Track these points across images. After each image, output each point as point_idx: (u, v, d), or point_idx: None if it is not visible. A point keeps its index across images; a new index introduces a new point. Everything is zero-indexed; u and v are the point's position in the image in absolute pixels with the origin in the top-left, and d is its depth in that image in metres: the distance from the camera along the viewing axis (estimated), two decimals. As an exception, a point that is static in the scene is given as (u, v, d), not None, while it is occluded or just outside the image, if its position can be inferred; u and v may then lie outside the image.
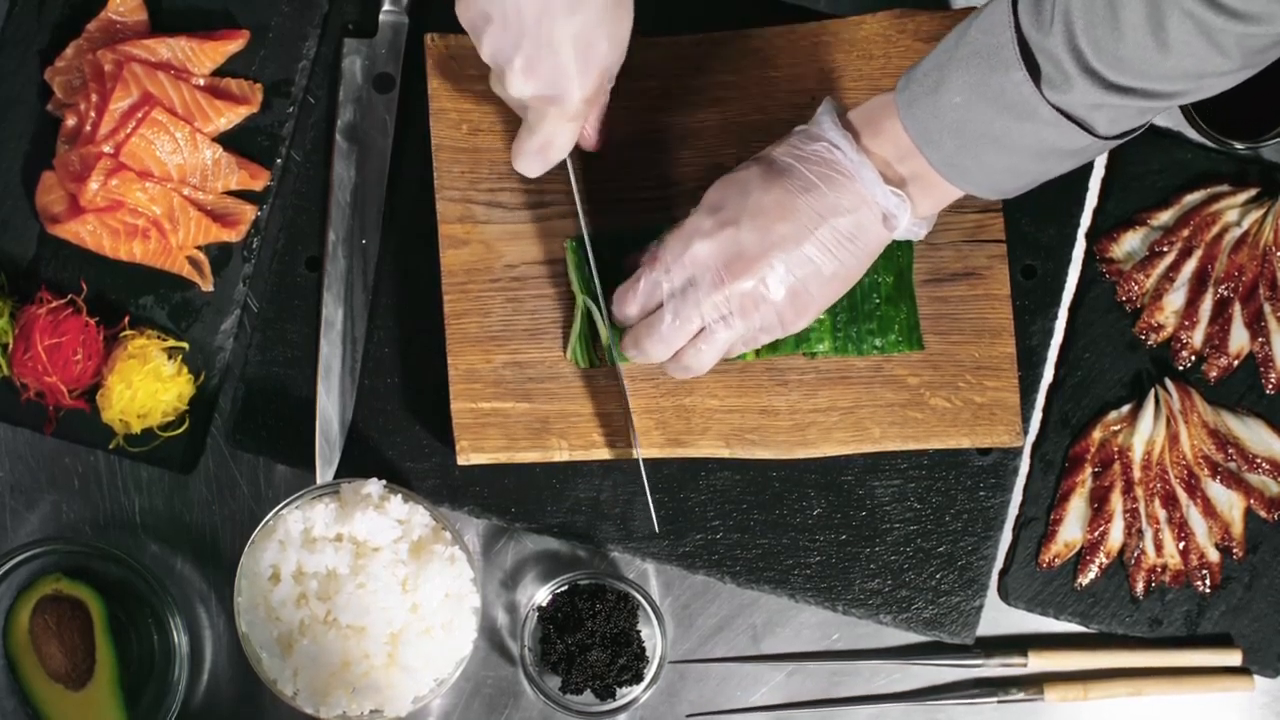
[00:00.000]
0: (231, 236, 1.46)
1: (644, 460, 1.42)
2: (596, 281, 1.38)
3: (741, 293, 1.26)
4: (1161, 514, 1.45)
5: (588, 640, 1.41)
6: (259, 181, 1.47)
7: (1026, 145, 1.19)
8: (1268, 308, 1.46)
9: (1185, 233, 1.47)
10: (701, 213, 1.29)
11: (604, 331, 1.38)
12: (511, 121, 1.43)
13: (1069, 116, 1.16)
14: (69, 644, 1.42)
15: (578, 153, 1.39)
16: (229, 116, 1.46)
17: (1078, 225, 1.49)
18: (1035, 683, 1.46)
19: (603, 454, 1.41)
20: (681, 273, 1.28)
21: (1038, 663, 1.45)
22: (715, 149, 1.44)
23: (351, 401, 1.44)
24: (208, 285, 1.46)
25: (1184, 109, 1.46)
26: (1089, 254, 1.49)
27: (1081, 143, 1.18)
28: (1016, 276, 1.46)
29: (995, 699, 1.45)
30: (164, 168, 1.44)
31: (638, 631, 1.43)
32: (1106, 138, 1.18)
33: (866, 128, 1.25)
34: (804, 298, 1.28)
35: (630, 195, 1.43)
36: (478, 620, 1.39)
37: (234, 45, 1.48)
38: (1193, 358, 1.47)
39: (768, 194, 1.26)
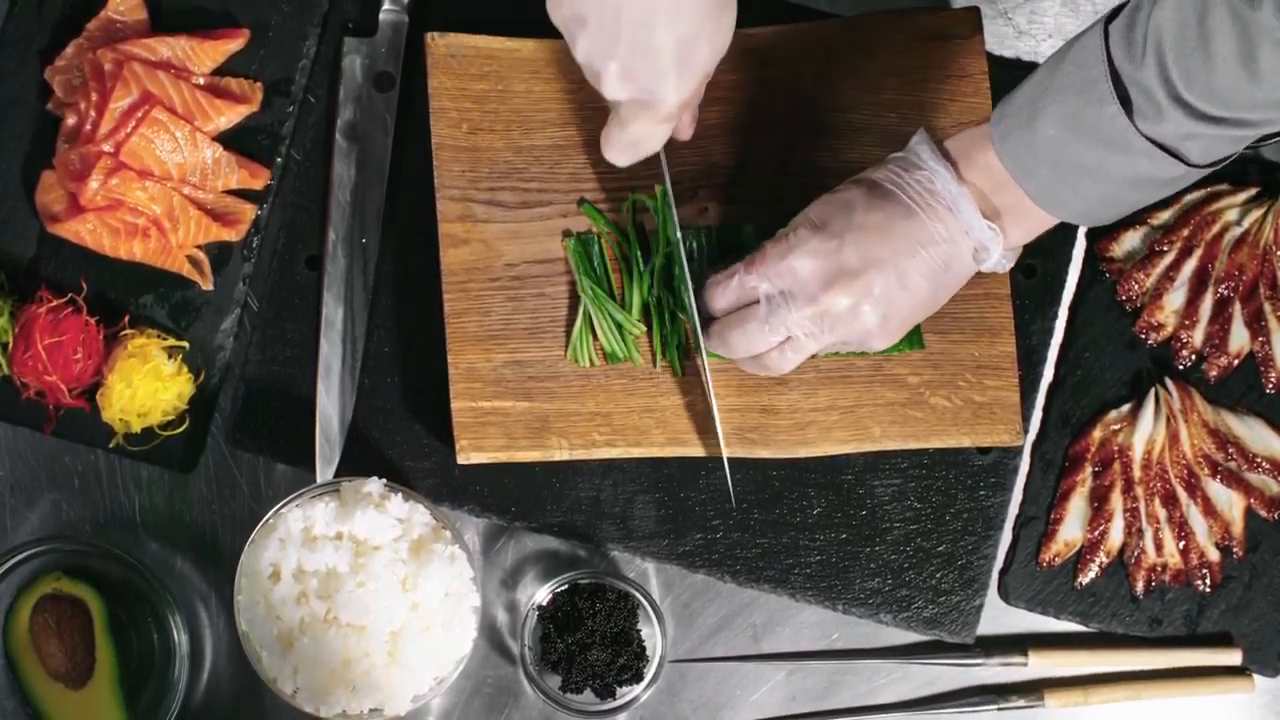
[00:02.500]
0: (231, 236, 1.46)
1: (644, 459, 1.43)
2: (688, 277, 1.37)
3: (835, 310, 1.27)
4: (1161, 513, 1.45)
5: (588, 639, 1.41)
6: (259, 181, 1.47)
7: (1122, 176, 1.19)
8: (1268, 307, 1.46)
9: (1185, 232, 1.47)
10: (803, 228, 1.28)
11: (695, 326, 1.37)
12: (513, 123, 1.43)
13: (1162, 147, 1.16)
14: (69, 643, 1.42)
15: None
16: (229, 116, 1.47)
17: (1078, 225, 1.49)
18: (1035, 689, 1.45)
19: (603, 453, 1.41)
20: (779, 281, 1.28)
21: (1038, 662, 1.45)
22: (715, 149, 1.44)
23: (351, 401, 1.44)
24: (208, 284, 1.46)
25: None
26: (1089, 253, 1.49)
27: (1175, 172, 1.18)
28: (1016, 276, 1.47)
29: (995, 706, 1.45)
30: (164, 167, 1.44)
31: (638, 631, 1.43)
32: (1200, 166, 1.18)
33: (962, 159, 1.26)
34: (893, 320, 1.28)
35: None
36: (478, 619, 1.39)
37: (234, 44, 1.48)
38: (1193, 357, 1.47)
39: (870, 215, 1.26)
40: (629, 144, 1.29)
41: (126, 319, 1.44)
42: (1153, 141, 1.16)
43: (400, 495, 1.38)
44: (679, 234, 1.37)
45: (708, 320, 1.35)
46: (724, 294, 1.32)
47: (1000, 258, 1.27)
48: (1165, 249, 1.47)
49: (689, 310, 1.37)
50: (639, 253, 1.41)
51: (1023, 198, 1.24)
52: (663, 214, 1.40)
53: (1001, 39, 1.51)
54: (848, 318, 1.27)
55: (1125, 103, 1.16)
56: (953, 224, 1.25)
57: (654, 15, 1.18)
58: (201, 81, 1.47)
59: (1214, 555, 1.45)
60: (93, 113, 1.43)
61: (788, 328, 1.28)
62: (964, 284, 1.29)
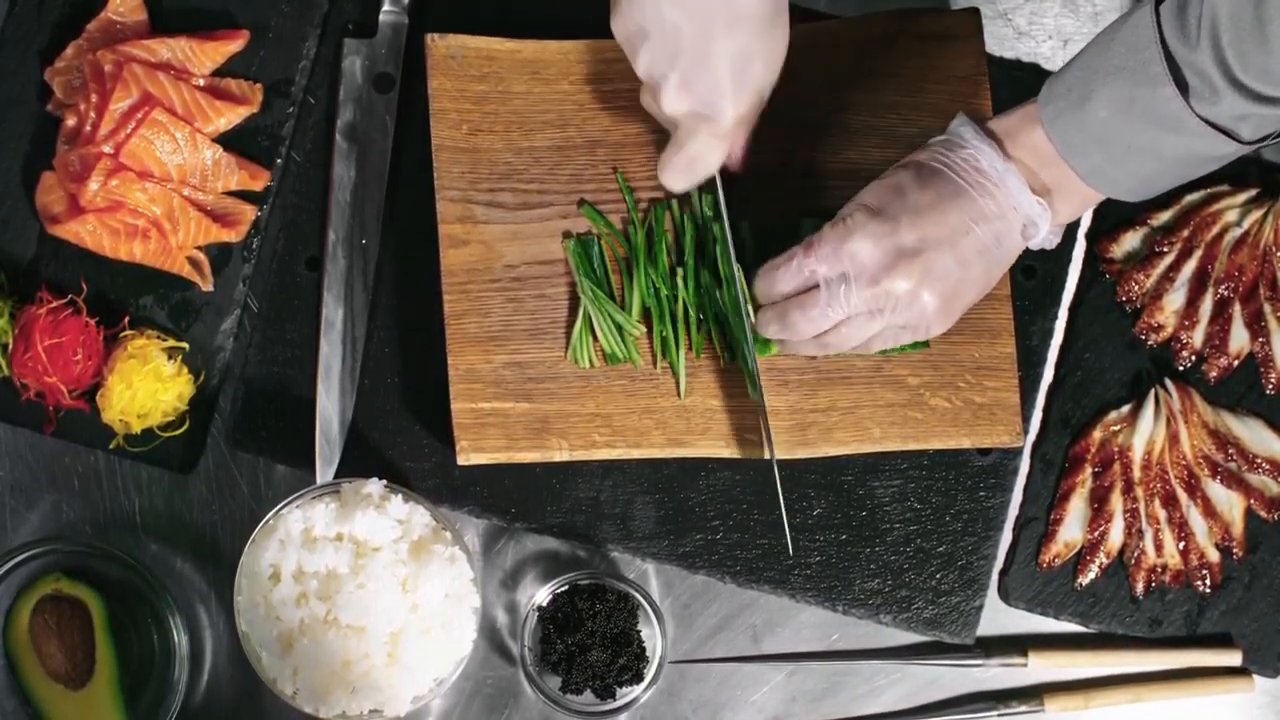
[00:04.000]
0: (231, 236, 1.46)
1: (644, 460, 1.43)
2: (742, 288, 1.36)
3: (895, 291, 1.27)
4: (1161, 514, 1.45)
5: (588, 640, 1.41)
6: (259, 181, 1.47)
7: (1173, 154, 1.20)
8: (1268, 308, 1.46)
9: (1185, 233, 1.47)
10: (859, 212, 1.29)
11: (747, 324, 1.37)
12: (513, 124, 1.43)
13: (1215, 127, 1.17)
14: (69, 644, 1.42)
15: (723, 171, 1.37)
16: (229, 116, 1.46)
17: (1078, 225, 1.49)
18: (1035, 694, 1.45)
19: (603, 455, 1.41)
20: (838, 265, 1.28)
21: (1037, 663, 1.45)
22: (715, 149, 1.44)
23: (351, 401, 1.44)
24: (208, 285, 1.46)
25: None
26: (1089, 254, 1.49)
27: (1226, 149, 1.19)
28: (1016, 276, 1.46)
29: (995, 712, 1.45)
30: (164, 168, 1.44)
31: (638, 631, 1.43)
32: (1250, 143, 1.19)
33: (1008, 138, 1.27)
34: (950, 300, 1.29)
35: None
36: (478, 620, 1.39)
37: (234, 45, 1.48)
38: (1193, 358, 1.47)
39: (923, 195, 1.27)
40: (686, 163, 1.31)
41: (126, 320, 1.44)
42: (1207, 122, 1.17)
43: (400, 496, 1.38)
44: (733, 254, 1.37)
45: (759, 307, 1.36)
46: (784, 278, 1.32)
47: (1048, 234, 1.28)
48: (1165, 250, 1.47)
49: (744, 313, 1.37)
50: (644, 254, 1.41)
51: (1070, 175, 1.25)
52: (720, 241, 1.39)
53: (1001, 40, 1.51)
54: (908, 299, 1.28)
55: (1180, 84, 1.17)
56: (1002, 199, 1.26)
57: (711, 27, 1.23)
58: (201, 82, 1.47)
59: (1214, 556, 1.45)
60: (93, 114, 1.43)
61: (850, 308, 1.29)
62: (1012, 263, 1.30)
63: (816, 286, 1.30)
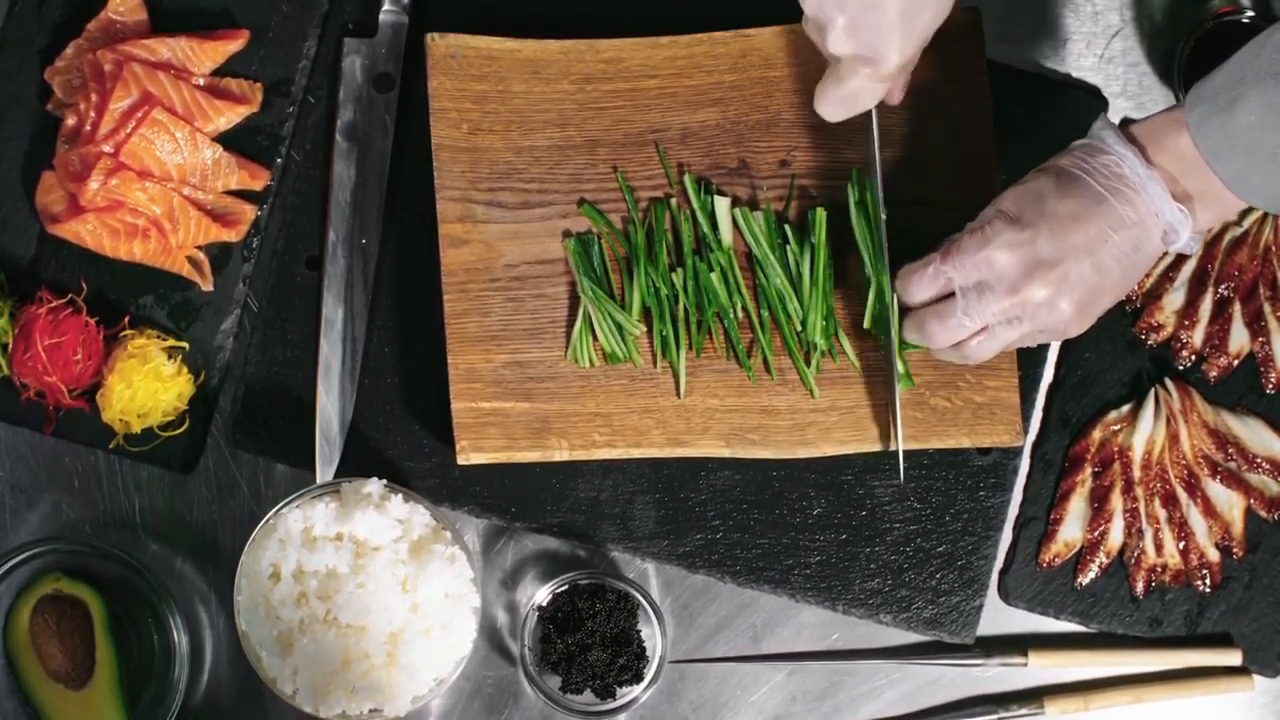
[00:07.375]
0: (231, 236, 1.46)
1: (644, 460, 1.43)
2: (885, 254, 1.37)
3: (1034, 300, 1.27)
4: (1161, 514, 1.45)
5: (588, 640, 1.41)
6: (259, 181, 1.47)
7: None
8: (1268, 307, 1.46)
9: (1185, 232, 1.47)
10: (998, 219, 1.28)
11: (893, 318, 1.37)
12: (513, 123, 1.43)
13: None
14: (69, 644, 1.42)
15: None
16: (229, 116, 1.47)
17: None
18: (1035, 696, 1.45)
19: (603, 454, 1.41)
20: (975, 273, 1.28)
21: (1037, 663, 1.45)
22: (715, 149, 1.44)
23: (351, 401, 1.44)
24: (208, 285, 1.46)
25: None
26: (1089, 254, 1.49)
27: None
28: (1016, 276, 1.46)
29: (995, 716, 1.45)
30: (164, 167, 1.44)
31: (638, 631, 1.43)
32: None
33: (1151, 143, 1.26)
34: (1088, 307, 1.28)
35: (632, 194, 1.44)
36: (478, 620, 1.39)
37: (234, 45, 1.48)
38: (1193, 357, 1.47)
39: (1063, 203, 1.26)
40: (844, 99, 1.31)
41: (126, 320, 1.44)
42: None
43: (400, 496, 1.38)
44: (884, 215, 1.37)
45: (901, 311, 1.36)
46: (921, 285, 1.32)
47: (1189, 240, 1.27)
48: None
49: (888, 298, 1.37)
50: (644, 254, 1.42)
51: (1213, 182, 1.24)
52: (867, 186, 1.40)
53: (1002, 39, 1.51)
54: (1046, 308, 1.27)
55: None
56: (1142, 207, 1.25)
57: None
58: (201, 82, 1.47)
59: (1214, 556, 1.45)
60: (93, 113, 1.43)
61: (989, 317, 1.29)
62: (1150, 266, 1.29)
63: (953, 294, 1.30)
